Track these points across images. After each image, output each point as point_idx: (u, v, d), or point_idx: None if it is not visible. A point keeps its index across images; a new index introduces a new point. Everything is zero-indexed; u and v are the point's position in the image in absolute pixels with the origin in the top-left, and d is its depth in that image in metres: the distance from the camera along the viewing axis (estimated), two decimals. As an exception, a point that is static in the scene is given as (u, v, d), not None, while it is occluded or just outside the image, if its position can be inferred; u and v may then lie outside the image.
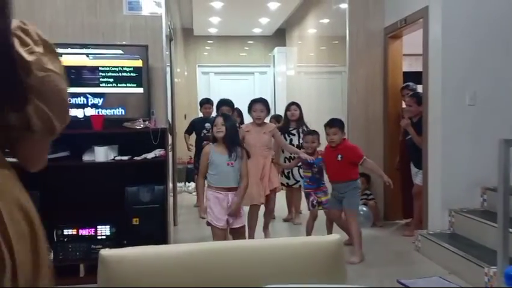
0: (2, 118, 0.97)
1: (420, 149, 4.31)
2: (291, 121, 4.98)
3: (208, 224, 3.34)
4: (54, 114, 1.02)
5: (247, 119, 4.69)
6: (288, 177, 4.97)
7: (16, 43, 0.97)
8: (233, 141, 3.31)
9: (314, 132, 4.06)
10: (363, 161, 3.78)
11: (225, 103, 4.70)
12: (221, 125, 3.25)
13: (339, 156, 3.81)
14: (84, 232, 3.58)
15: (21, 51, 0.97)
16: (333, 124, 3.85)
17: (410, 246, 4.11)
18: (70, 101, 1.01)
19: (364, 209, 4.76)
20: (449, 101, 4.01)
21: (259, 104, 4.16)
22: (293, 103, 5.09)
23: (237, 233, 3.32)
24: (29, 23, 1.02)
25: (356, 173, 3.86)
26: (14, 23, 0.99)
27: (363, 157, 3.79)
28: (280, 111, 6.94)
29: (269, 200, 4.25)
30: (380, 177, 3.96)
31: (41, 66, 0.98)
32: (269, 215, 4.41)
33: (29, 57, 0.97)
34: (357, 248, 3.75)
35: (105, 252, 0.92)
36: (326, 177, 4.04)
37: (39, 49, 0.99)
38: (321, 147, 4.11)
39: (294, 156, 4.52)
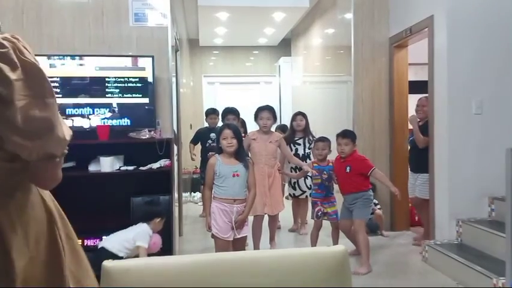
0: None
1: (420, 151, 4.31)
2: (297, 131, 4.98)
3: (213, 236, 3.32)
4: (46, 143, 0.95)
5: (250, 129, 4.70)
6: (294, 188, 4.95)
7: None
8: (242, 153, 3.31)
9: (325, 139, 4.05)
10: (372, 172, 3.77)
11: (231, 112, 4.71)
12: (231, 139, 3.20)
13: (348, 168, 3.81)
14: (89, 242, 3.58)
15: None
16: (346, 135, 3.86)
17: (417, 256, 4.07)
18: (55, 125, 0.97)
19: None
20: (455, 110, 3.99)
21: (265, 112, 4.15)
22: (299, 113, 5.09)
23: (238, 243, 3.30)
24: (7, 37, 0.93)
25: (366, 184, 3.84)
26: None
27: (372, 168, 3.78)
28: (286, 121, 6.94)
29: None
30: (387, 188, 3.95)
31: (19, 95, 0.89)
32: (274, 225, 4.39)
33: (3, 90, 0.88)
34: (364, 258, 3.72)
35: (108, 263, 0.92)
36: (336, 187, 4.03)
37: (14, 75, 0.89)
38: (332, 155, 4.10)
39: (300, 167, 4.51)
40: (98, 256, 3.01)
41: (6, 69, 0.88)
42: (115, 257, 3.22)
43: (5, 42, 0.91)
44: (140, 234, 3.41)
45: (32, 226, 1.03)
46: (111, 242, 3.36)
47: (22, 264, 0.96)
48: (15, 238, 0.96)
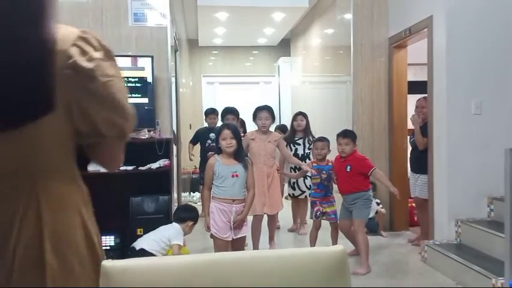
0: (70, 126, 1.02)
1: (421, 153, 4.32)
2: (297, 131, 4.98)
3: (212, 236, 3.32)
4: (122, 118, 1.06)
5: (250, 129, 4.70)
6: (293, 188, 4.95)
7: (76, 52, 0.99)
8: (242, 154, 3.31)
9: (324, 139, 4.05)
10: (372, 172, 3.77)
11: (230, 111, 4.71)
12: (230, 139, 3.20)
13: (348, 167, 3.81)
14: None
15: (81, 60, 0.99)
16: (347, 135, 3.87)
17: (417, 256, 4.08)
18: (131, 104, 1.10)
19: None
20: (455, 110, 3.99)
21: (264, 112, 4.14)
22: (300, 113, 5.08)
23: (237, 243, 3.30)
24: (88, 31, 1.06)
25: (366, 184, 3.84)
26: (74, 33, 1.03)
27: (372, 168, 3.78)
28: (285, 121, 6.94)
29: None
30: (387, 188, 3.96)
31: (103, 72, 1.01)
32: (273, 225, 4.39)
33: (89, 65, 0.99)
34: (364, 258, 3.72)
35: (108, 263, 0.92)
36: (335, 187, 4.03)
37: (98, 55, 1.02)
38: (331, 155, 4.10)
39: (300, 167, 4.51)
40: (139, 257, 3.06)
41: (90, 49, 1.01)
42: (149, 255, 3.38)
43: (86, 31, 1.05)
44: (175, 233, 3.61)
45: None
46: (149, 243, 3.50)
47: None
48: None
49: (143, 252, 3.39)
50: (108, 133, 1.05)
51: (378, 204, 4.88)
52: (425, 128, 4.30)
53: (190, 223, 3.74)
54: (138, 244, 3.48)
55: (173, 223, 3.73)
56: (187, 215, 3.75)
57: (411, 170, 4.66)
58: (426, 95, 4.38)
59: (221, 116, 4.82)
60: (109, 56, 1.04)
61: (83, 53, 1.00)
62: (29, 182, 1.00)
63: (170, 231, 3.63)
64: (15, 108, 0.94)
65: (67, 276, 1.01)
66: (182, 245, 3.62)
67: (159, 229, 3.67)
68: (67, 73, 0.98)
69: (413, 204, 4.91)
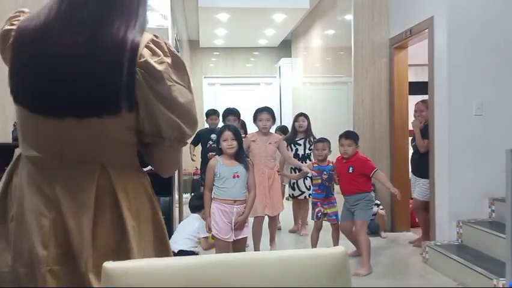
0: (135, 122, 1.11)
1: (422, 155, 4.31)
2: (298, 132, 4.98)
3: (213, 237, 3.32)
4: (183, 123, 1.13)
5: (250, 130, 4.70)
6: (293, 189, 4.96)
7: (147, 54, 1.08)
8: (242, 155, 3.32)
9: (325, 140, 4.06)
10: (374, 173, 3.77)
11: (231, 112, 4.71)
12: (231, 140, 3.20)
13: (351, 168, 3.81)
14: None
15: (152, 61, 1.07)
16: (349, 136, 3.87)
17: (418, 257, 4.07)
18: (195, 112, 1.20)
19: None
20: (456, 111, 3.99)
21: (264, 113, 4.15)
22: (301, 114, 5.09)
23: (238, 244, 3.30)
24: (160, 37, 1.14)
25: (369, 185, 3.83)
26: (148, 36, 1.12)
27: (375, 169, 3.78)
28: (286, 122, 6.94)
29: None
30: (387, 189, 3.96)
31: (169, 76, 1.09)
32: (274, 227, 4.39)
33: (159, 67, 1.07)
34: (365, 259, 3.72)
35: (109, 264, 0.92)
36: (336, 188, 4.03)
37: (168, 60, 1.10)
38: (332, 155, 4.10)
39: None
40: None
41: (161, 53, 1.09)
42: (191, 254, 3.58)
43: (158, 37, 1.14)
44: (200, 226, 3.83)
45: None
46: (184, 242, 3.71)
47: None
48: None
49: (185, 253, 3.55)
50: (168, 135, 1.12)
51: (377, 205, 4.88)
52: (425, 131, 4.30)
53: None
54: (173, 246, 3.52)
55: (192, 215, 3.97)
56: (202, 203, 3.83)
57: (412, 172, 4.65)
58: (425, 97, 4.40)
59: (222, 116, 4.82)
60: (176, 63, 1.11)
61: (155, 54, 1.08)
62: (100, 167, 1.11)
63: (196, 225, 3.84)
64: (99, 100, 1.05)
65: (141, 238, 1.16)
66: (208, 236, 3.78)
67: (182, 226, 3.90)
68: (137, 72, 1.06)
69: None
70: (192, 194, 4.16)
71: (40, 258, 1.06)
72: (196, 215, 3.96)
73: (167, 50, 1.11)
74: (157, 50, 1.09)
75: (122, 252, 1.11)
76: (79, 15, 1.07)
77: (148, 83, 1.07)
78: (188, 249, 3.61)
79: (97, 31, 1.06)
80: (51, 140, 1.09)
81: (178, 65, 1.12)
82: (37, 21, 1.10)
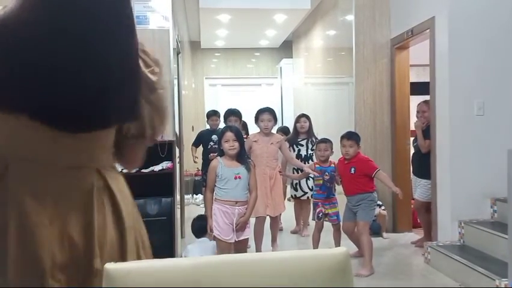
0: (124, 128, 1.15)
1: (423, 156, 4.31)
2: (300, 133, 4.98)
3: (214, 238, 3.32)
4: (161, 125, 1.22)
5: (252, 131, 4.69)
6: (296, 189, 4.96)
7: (141, 64, 1.12)
8: (244, 156, 3.31)
9: (327, 141, 4.06)
10: (376, 173, 3.76)
11: (233, 113, 4.71)
12: (233, 141, 3.20)
13: (353, 169, 3.80)
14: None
15: (146, 71, 1.13)
16: (351, 137, 3.86)
17: (420, 258, 4.07)
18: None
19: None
20: (457, 111, 3.98)
21: (266, 114, 4.15)
22: (303, 115, 5.09)
23: (240, 245, 3.30)
24: (142, 44, 1.18)
25: (371, 186, 3.82)
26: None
27: (376, 169, 3.77)
28: (288, 123, 6.94)
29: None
30: (389, 189, 3.95)
31: (160, 84, 1.16)
32: (276, 227, 4.39)
33: (153, 77, 1.14)
34: (367, 260, 3.71)
35: (110, 266, 0.92)
36: (338, 188, 4.03)
37: (157, 69, 1.16)
38: (334, 156, 4.10)
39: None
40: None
41: (151, 63, 1.15)
42: None
43: (143, 44, 1.17)
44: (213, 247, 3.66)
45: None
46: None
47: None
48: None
49: None
50: (149, 134, 1.19)
51: (379, 206, 4.88)
52: (427, 131, 4.30)
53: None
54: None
55: (203, 238, 3.85)
56: (205, 224, 3.67)
57: (413, 173, 4.64)
58: (427, 98, 4.38)
59: (224, 117, 4.83)
60: (160, 69, 1.18)
61: (146, 65, 1.14)
62: (96, 172, 1.12)
63: (210, 247, 3.68)
64: (91, 118, 1.07)
65: (136, 229, 1.19)
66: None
67: (199, 243, 3.82)
68: None
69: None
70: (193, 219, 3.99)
71: (46, 269, 1.03)
72: (209, 241, 3.74)
73: (153, 57, 1.16)
74: (148, 60, 1.14)
75: (123, 252, 1.13)
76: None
77: (142, 92, 1.12)
78: None
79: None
80: (47, 147, 1.06)
81: (161, 71, 1.18)
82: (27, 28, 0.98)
